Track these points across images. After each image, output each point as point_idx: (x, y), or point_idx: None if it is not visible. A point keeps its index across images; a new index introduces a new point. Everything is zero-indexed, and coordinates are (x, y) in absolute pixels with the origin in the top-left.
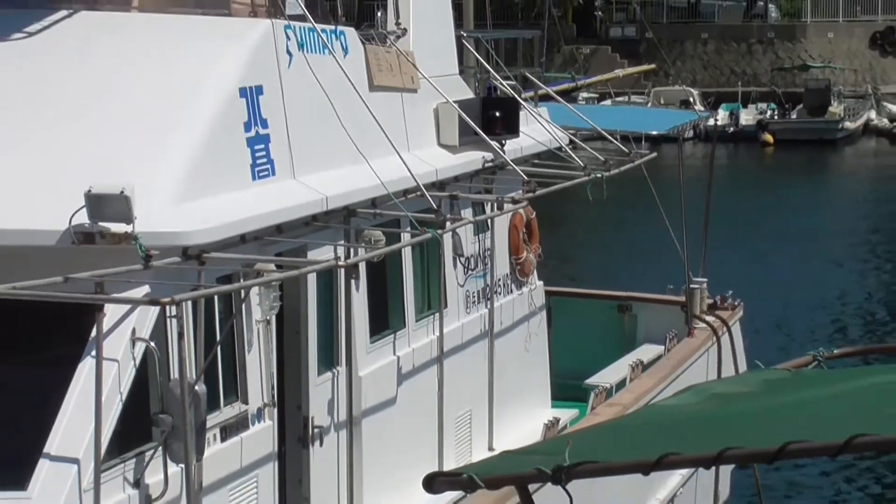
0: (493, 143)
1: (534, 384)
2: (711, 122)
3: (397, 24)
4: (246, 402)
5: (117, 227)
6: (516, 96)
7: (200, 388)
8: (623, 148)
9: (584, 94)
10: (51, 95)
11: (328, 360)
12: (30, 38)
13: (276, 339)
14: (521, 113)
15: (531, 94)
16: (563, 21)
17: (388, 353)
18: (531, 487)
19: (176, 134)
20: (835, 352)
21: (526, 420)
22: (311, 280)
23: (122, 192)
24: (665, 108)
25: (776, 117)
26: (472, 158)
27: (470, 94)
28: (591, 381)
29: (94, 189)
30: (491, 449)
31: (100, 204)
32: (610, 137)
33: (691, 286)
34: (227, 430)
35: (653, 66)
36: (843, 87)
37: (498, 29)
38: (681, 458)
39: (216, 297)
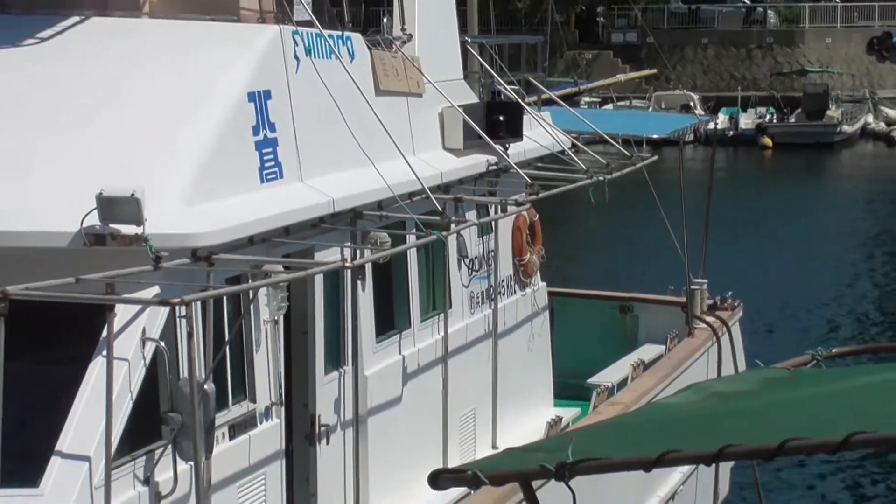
0: (497, 147)
1: (537, 383)
2: (711, 125)
3: (403, 29)
4: (254, 400)
5: (128, 229)
6: (520, 101)
7: (209, 386)
8: (624, 151)
9: (587, 99)
10: (63, 100)
11: (335, 360)
12: (42, 44)
13: (283, 338)
14: (525, 117)
15: (534, 98)
16: (566, 27)
17: (394, 352)
18: (535, 484)
19: (185, 137)
20: (833, 351)
21: (529, 419)
22: (319, 281)
23: (132, 195)
24: (666, 113)
25: (775, 121)
26: (477, 162)
27: (474, 99)
28: (593, 380)
29: (106, 192)
30: (495, 447)
31: (111, 206)
32: (612, 141)
33: (692, 287)
34: (236, 429)
35: (654, 70)
36: (841, 91)
37: (501, 34)
38: (682, 455)
39: (225, 298)
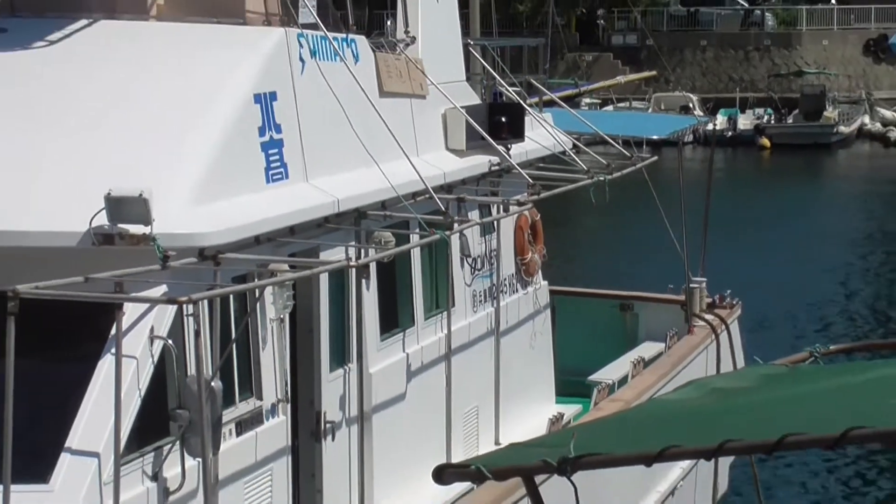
0: (500, 148)
1: (539, 380)
2: (710, 126)
3: (406, 32)
4: (260, 397)
5: (136, 229)
6: (521, 102)
7: (216, 384)
8: (625, 152)
9: (587, 100)
10: (71, 101)
11: (340, 357)
12: (51, 46)
13: (289, 336)
14: (526, 118)
15: (536, 99)
16: (567, 29)
17: (398, 350)
18: (537, 479)
19: (193, 138)
20: (831, 348)
21: (531, 415)
22: (324, 280)
23: (140, 195)
24: (665, 114)
25: (773, 122)
26: (479, 162)
27: (477, 100)
28: (594, 377)
29: (114, 192)
30: (497, 443)
31: (119, 206)
32: (612, 142)
33: (691, 286)
34: (243, 425)
35: (653, 72)
36: (838, 92)
37: (503, 37)
38: (682, 450)
39: (231, 297)
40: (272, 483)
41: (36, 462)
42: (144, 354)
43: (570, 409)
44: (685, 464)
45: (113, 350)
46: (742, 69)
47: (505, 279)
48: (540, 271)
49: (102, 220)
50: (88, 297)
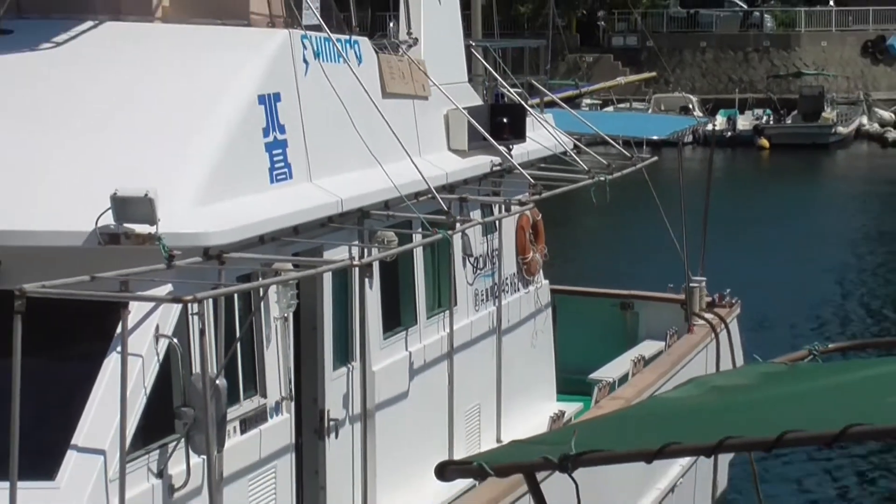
0: (501, 148)
1: (540, 379)
2: (710, 127)
3: (409, 33)
4: (265, 395)
5: (141, 229)
6: (523, 103)
7: (221, 382)
8: (625, 152)
9: (588, 101)
10: (78, 102)
11: (343, 356)
12: (57, 48)
13: (293, 335)
14: (528, 119)
15: (537, 100)
16: (568, 31)
17: (401, 348)
18: (539, 475)
19: (197, 139)
20: (829, 346)
21: (532, 413)
22: (327, 279)
23: (146, 195)
24: (665, 114)
25: (772, 123)
26: (481, 162)
27: (478, 101)
28: (594, 375)
29: (120, 192)
30: (499, 441)
31: (125, 206)
32: (612, 142)
33: (690, 285)
34: (247, 423)
35: (653, 73)
36: (836, 93)
37: (505, 38)
38: (682, 447)
39: (236, 296)
40: (276, 480)
41: (42, 459)
42: (150, 353)
43: (570, 407)
44: (685, 461)
45: (119, 348)
46: (741, 70)
47: (506, 278)
48: (541, 270)
49: (108, 219)
50: (94, 296)
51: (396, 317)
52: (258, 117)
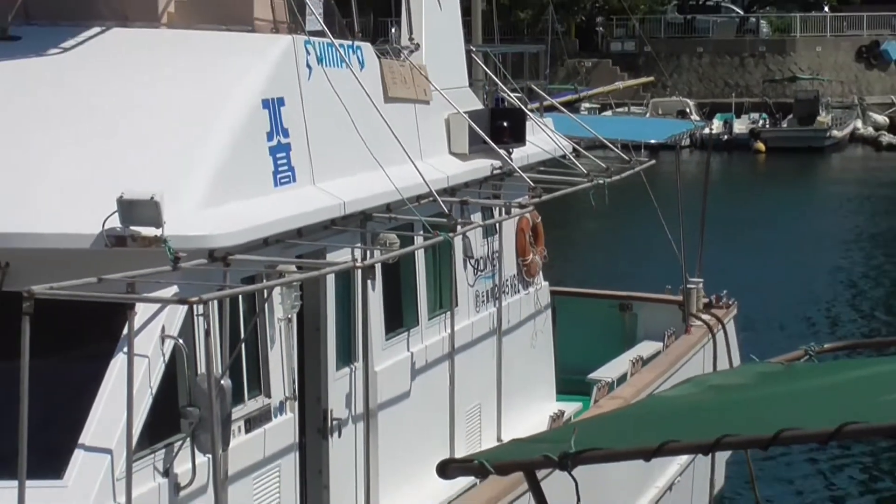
0: (501, 152)
1: (540, 379)
2: (707, 131)
3: (411, 39)
4: (269, 395)
5: (148, 231)
6: (523, 107)
7: (226, 382)
8: (623, 156)
9: (587, 105)
10: (85, 107)
11: (346, 356)
12: (65, 53)
13: (297, 336)
14: (528, 123)
15: (537, 105)
16: (567, 36)
17: (403, 349)
18: (539, 473)
19: (203, 143)
20: (825, 346)
21: (532, 413)
22: (330, 280)
23: (152, 198)
24: (663, 118)
25: (768, 126)
26: (482, 166)
27: (479, 105)
28: (593, 375)
29: (126, 195)
30: (499, 440)
31: (131, 209)
32: (611, 146)
33: (688, 286)
34: (252, 422)
35: (651, 78)
36: (831, 97)
37: (505, 44)
38: (681, 444)
39: (241, 297)
40: (280, 479)
41: (50, 458)
42: (156, 353)
43: (570, 407)
44: (683, 459)
45: (125, 349)
46: (737, 75)
47: (507, 280)
48: (541, 272)
49: (115, 222)
50: (101, 298)
51: (398, 318)
52: (262, 121)
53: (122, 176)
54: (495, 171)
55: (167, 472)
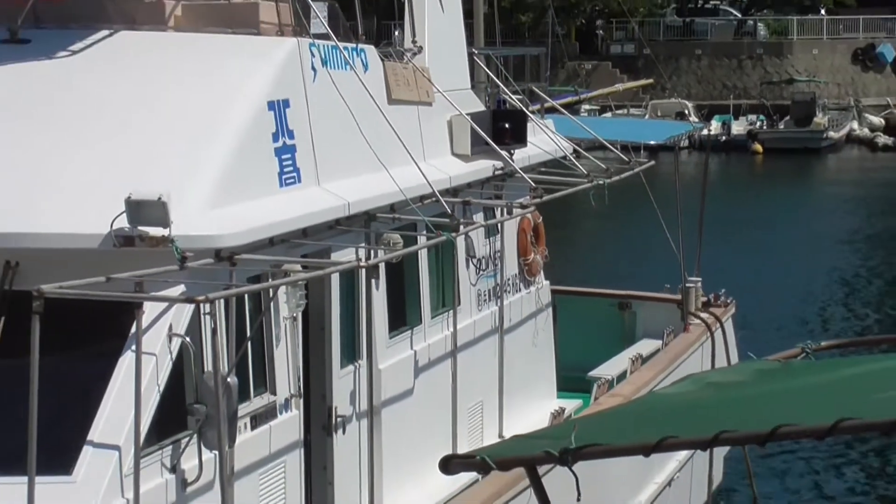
0: (503, 153)
1: (540, 376)
2: (705, 132)
3: (413, 42)
4: (274, 393)
5: (155, 231)
6: (524, 109)
7: (232, 380)
8: (623, 157)
9: (587, 107)
10: (93, 109)
11: (350, 354)
12: (74, 56)
13: (302, 334)
14: (529, 124)
15: (538, 106)
16: (567, 39)
17: (406, 347)
18: (540, 469)
19: (209, 144)
20: (822, 344)
21: (533, 410)
22: (335, 280)
23: (159, 199)
24: (662, 120)
25: (765, 128)
26: (484, 166)
27: (481, 107)
28: (593, 373)
29: (134, 196)
30: (501, 437)
31: (139, 209)
32: (611, 147)
33: (687, 285)
34: (257, 419)
35: (650, 80)
36: (827, 99)
37: (506, 47)
38: (679, 440)
39: (247, 296)
40: (285, 475)
41: (59, 454)
42: (163, 351)
43: (570, 404)
44: (682, 455)
45: (133, 347)
46: (735, 77)
47: (508, 279)
48: (542, 271)
49: (123, 222)
50: (110, 297)
51: (402, 316)
52: (268, 123)
53: (130, 177)
54: (497, 172)
55: (174, 469)
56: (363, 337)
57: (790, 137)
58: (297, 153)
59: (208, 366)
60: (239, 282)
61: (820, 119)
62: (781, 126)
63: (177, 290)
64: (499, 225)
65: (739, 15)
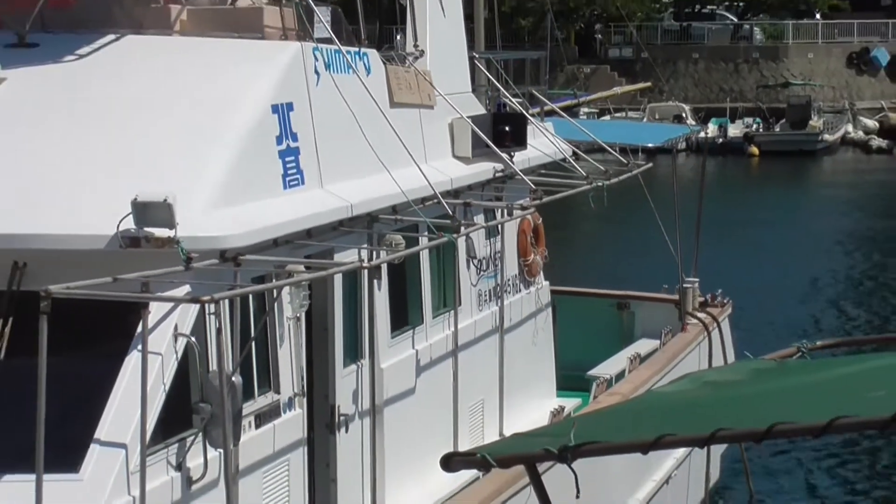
0: (503, 155)
1: (540, 375)
2: (702, 135)
3: (415, 46)
4: (278, 392)
5: (161, 232)
6: (524, 112)
7: (237, 379)
8: (622, 159)
9: (586, 110)
10: (100, 112)
11: (353, 354)
12: (81, 60)
13: (305, 334)
14: (529, 127)
15: (537, 109)
16: (566, 43)
17: (408, 347)
18: (540, 467)
19: (214, 146)
20: (817, 343)
21: (533, 409)
22: (338, 280)
23: (165, 200)
24: (660, 123)
25: (761, 130)
26: (484, 169)
27: (482, 110)
28: (593, 372)
29: (140, 197)
30: (501, 435)
31: (145, 211)
32: (610, 149)
33: (684, 285)
34: (261, 418)
35: (648, 83)
36: (823, 102)
37: (506, 50)
38: (677, 438)
39: (251, 296)
40: (289, 473)
41: (67, 453)
42: (169, 351)
43: (570, 403)
44: (679, 453)
45: (139, 347)
46: (732, 80)
47: (508, 279)
48: (541, 272)
49: (129, 224)
50: (116, 297)
51: (404, 316)
52: (272, 126)
53: (136, 178)
54: (497, 174)
55: (180, 467)
56: (365, 336)
57: (786, 140)
58: (301, 155)
59: (213, 365)
60: (243, 282)
61: (815, 122)
62: (777, 129)
63: (182, 291)
64: (499, 226)
65: (736, 19)
